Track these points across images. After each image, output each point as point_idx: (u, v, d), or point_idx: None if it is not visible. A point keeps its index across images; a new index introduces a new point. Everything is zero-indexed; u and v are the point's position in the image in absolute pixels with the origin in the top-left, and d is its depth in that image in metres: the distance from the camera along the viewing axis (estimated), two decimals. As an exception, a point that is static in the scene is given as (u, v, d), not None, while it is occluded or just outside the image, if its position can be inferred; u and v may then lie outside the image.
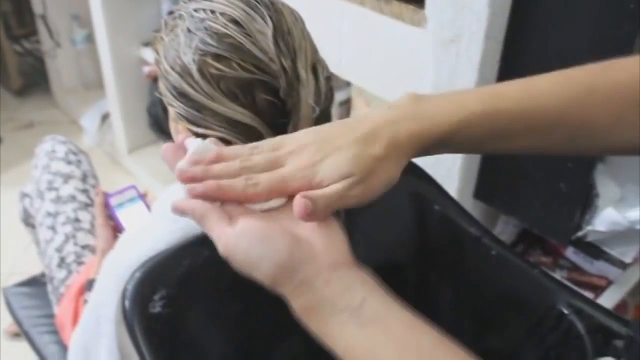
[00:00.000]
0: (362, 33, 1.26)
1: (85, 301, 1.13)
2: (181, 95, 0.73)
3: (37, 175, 1.42)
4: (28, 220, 1.50)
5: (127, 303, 0.67)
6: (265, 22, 0.71)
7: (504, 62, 1.13)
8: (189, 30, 0.72)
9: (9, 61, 2.95)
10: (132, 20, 2.28)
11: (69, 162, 1.42)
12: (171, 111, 0.78)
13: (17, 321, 1.41)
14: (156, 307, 0.67)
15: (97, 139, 2.70)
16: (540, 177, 1.17)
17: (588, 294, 1.26)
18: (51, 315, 1.32)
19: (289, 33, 0.72)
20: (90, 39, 2.72)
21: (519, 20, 1.08)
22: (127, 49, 2.32)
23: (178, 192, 0.80)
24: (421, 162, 0.95)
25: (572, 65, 1.03)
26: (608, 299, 1.32)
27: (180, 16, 0.74)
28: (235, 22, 0.71)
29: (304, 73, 0.72)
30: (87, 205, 1.37)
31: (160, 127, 2.47)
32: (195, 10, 0.73)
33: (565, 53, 1.04)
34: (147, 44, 2.34)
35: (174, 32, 0.74)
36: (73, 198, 1.36)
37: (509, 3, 1.08)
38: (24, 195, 1.49)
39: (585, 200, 1.13)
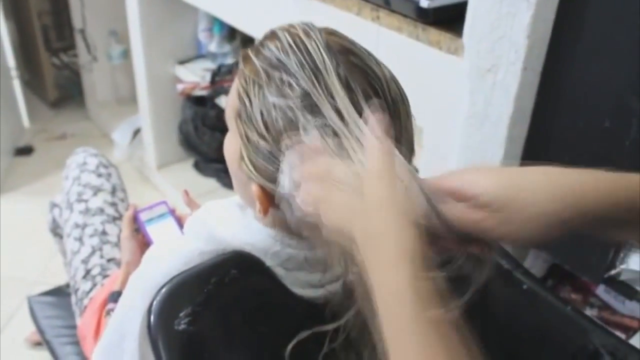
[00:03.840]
0: (397, 58, 1.26)
1: (108, 312, 1.12)
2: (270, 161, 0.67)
3: (67, 186, 1.44)
4: (56, 231, 1.51)
5: (152, 319, 0.66)
6: None
7: (541, 94, 1.11)
8: None
9: (46, 73, 3.00)
10: (168, 38, 2.31)
11: (100, 175, 1.43)
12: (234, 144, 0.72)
13: (40, 330, 1.41)
14: (181, 324, 0.66)
15: (127, 153, 2.73)
16: (573, 212, 1.14)
17: (619, 335, 1.22)
18: (74, 326, 1.32)
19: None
20: (126, 54, 2.76)
21: (557, 52, 1.07)
22: (162, 67, 2.35)
23: (211, 210, 0.80)
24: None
25: (610, 99, 1.01)
26: None
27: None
28: None
29: None
30: (115, 219, 1.37)
31: (190, 144, 2.49)
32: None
33: (603, 87, 1.03)
34: (181, 62, 2.37)
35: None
36: (101, 211, 1.37)
37: (547, 34, 1.07)
38: (54, 205, 1.51)
39: (619, 238, 1.10)
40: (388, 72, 0.69)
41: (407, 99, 0.70)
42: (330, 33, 0.69)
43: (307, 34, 0.67)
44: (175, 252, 0.77)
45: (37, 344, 1.82)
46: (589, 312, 1.34)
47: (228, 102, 0.73)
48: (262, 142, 0.66)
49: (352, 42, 0.70)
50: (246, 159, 0.69)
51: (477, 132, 1.16)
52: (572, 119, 1.08)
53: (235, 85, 0.71)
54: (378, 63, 0.69)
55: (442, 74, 1.21)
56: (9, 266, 2.14)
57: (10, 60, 2.80)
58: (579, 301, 1.36)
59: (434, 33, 1.17)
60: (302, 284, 0.76)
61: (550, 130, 1.13)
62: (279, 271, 0.75)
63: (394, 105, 0.67)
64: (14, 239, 2.26)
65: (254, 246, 0.74)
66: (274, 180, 0.66)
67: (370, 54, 0.69)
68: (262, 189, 0.69)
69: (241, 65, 0.71)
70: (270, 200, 0.69)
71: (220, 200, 0.80)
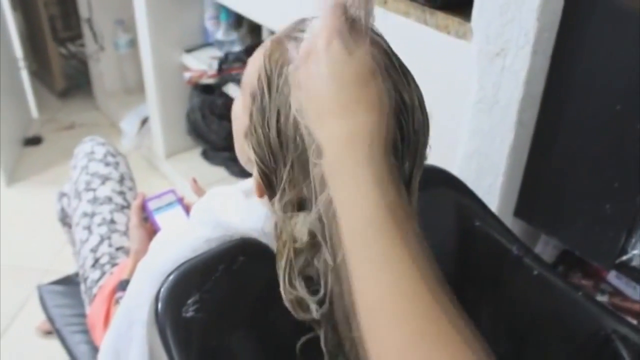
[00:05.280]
0: (405, 44, 1.24)
1: (117, 301, 1.13)
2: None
3: (75, 175, 1.44)
4: (65, 220, 1.51)
5: (160, 306, 0.66)
6: None
7: (551, 77, 1.10)
8: None
9: (53, 63, 3.00)
10: (175, 27, 2.30)
11: (107, 164, 1.43)
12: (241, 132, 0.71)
13: (50, 319, 1.42)
14: (189, 312, 0.66)
15: (135, 142, 2.73)
16: (584, 197, 1.13)
17: (630, 321, 1.21)
18: (83, 315, 1.33)
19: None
20: (133, 43, 2.76)
21: (567, 35, 1.06)
22: (169, 55, 2.35)
23: (217, 197, 0.79)
24: (462, 178, 0.93)
25: (621, 83, 1.00)
26: (651, 327, 1.27)
27: None
28: None
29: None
30: (123, 207, 1.37)
31: (198, 133, 2.48)
32: None
33: (614, 70, 1.01)
34: (189, 50, 2.36)
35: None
36: (110, 200, 1.37)
37: (558, 17, 1.05)
38: (62, 194, 1.51)
39: (631, 223, 1.09)
40: (417, 95, 0.66)
41: (428, 127, 0.68)
42: (374, 42, 0.65)
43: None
44: (182, 239, 0.76)
45: (48, 333, 1.83)
46: (600, 298, 1.33)
47: (247, 72, 0.69)
48: (268, 147, 0.64)
49: (391, 57, 0.66)
50: (250, 143, 0.67)
51: (486, 117, 1.15)
52: (583, 103, 1.07)
53: (258, 62, 0.66)
54: (409, 84, 0.66)
55: (450, 59, 1.19)
56: (19, 256, 2.15)
57: (18, 51, 2.79)
58: (589, 287, 1.35)
59: (441, 17, 1.16)
60: None
61: (560, 114, 1.11)
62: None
63: (415, 135, 0.65)
64: (23, 229, 2.28)
65: (261, 232, 0.73)
66: (273, 169, 0.65)
67: (404, 73, 0.66)
68: (261, 171, 0.66)
69: (269, 44, 0.66)
70: (267, 184, 0.67)
71: (225, 187, 0.80)
